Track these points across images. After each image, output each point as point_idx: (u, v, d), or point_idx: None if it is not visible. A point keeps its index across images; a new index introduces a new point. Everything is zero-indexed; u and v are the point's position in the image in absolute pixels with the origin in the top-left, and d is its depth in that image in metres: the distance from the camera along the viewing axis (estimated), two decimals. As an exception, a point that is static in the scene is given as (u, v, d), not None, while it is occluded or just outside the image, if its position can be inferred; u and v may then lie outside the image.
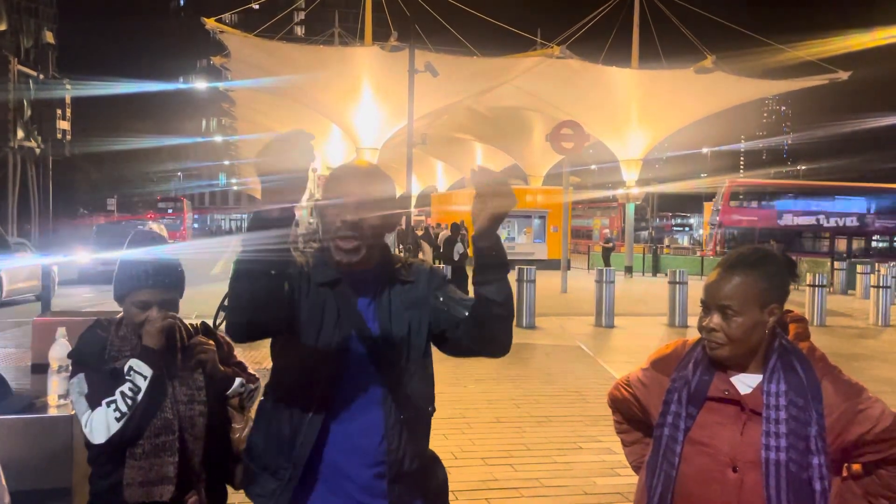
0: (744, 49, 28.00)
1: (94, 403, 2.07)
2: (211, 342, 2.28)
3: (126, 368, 2.09)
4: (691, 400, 1.82)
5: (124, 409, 2.05)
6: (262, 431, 1.88)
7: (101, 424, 2.04)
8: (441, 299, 1.89)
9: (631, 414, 2.08)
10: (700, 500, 1.78)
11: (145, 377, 2.10)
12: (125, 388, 2.07)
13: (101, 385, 2.08)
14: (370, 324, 1.84)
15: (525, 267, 13.40)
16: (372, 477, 1.79)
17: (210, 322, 2.29)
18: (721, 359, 1.79)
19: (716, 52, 27.30)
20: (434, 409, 1.95)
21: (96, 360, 2.12)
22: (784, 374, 1.76)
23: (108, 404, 2.05)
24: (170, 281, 2.20)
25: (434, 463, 1.97)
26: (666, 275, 15.08)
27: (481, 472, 5.21)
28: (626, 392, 2.06)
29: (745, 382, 1.80)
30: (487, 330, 1.83)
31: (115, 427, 2.04)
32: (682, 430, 1.81)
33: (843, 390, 1.77)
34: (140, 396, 2.07)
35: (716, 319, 1.76)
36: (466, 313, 1.85)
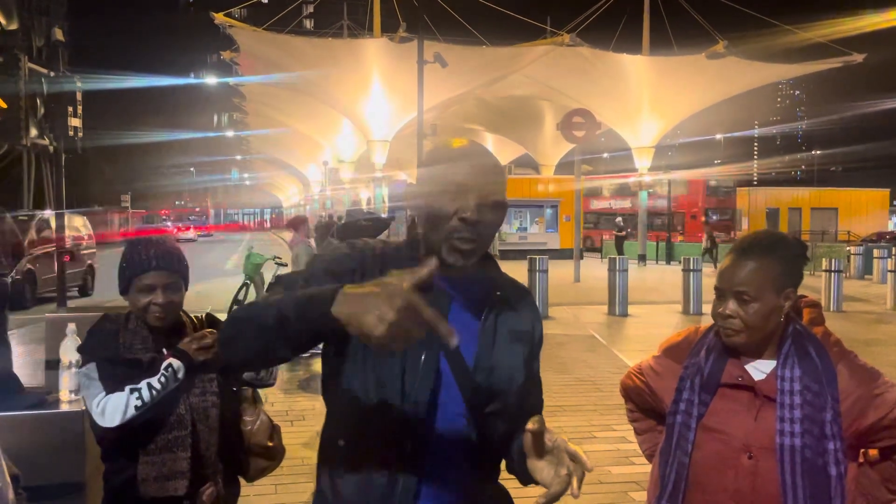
0: (756, 33, 27.74)
1: (113, 387, 2.09)
2: (214, 332, 2.27)
3: (165, 364, 2.11)
4: (704, 387, 1.80)
5: (147, 398, 2.07)
6: (351, 479, 1.49)
7: (117, 408, 2.06)
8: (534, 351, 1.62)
9: (643, 402, 2.07)
10: (714, 487, 1.76)
11: (178, 380, 2.13)
12: (155, 380, 2.09)
13: (115, 373, 2.10)
14: (464, 348, 1.49)
15: (537, 257, 13.37)
16: None
17: (221, 318, 2.28)
18: (737, 346, 1.77)
19: (728, 37, 27.01)
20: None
21: (108, 352, 2.14)
22: (798, 360, 1.73)
23: (132, 391, 2.07)
24: (173, 264, 2.21)
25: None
26: (679, 263, 14.99)
27: (495, 463, 5.20)
28: (638, 380, 2.04)
29: (758, 368, 1.78)
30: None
31: (131, 414, 2.07)
32: (695, 417, 1.80)
33: (859, 375, 1.75)
34: (164, 393, 2.10)
35: (731, 306, 1.73)
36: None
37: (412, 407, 1.46)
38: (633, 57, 28.32)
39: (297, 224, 10.15)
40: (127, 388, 2.08)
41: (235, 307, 1.78)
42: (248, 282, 12.41)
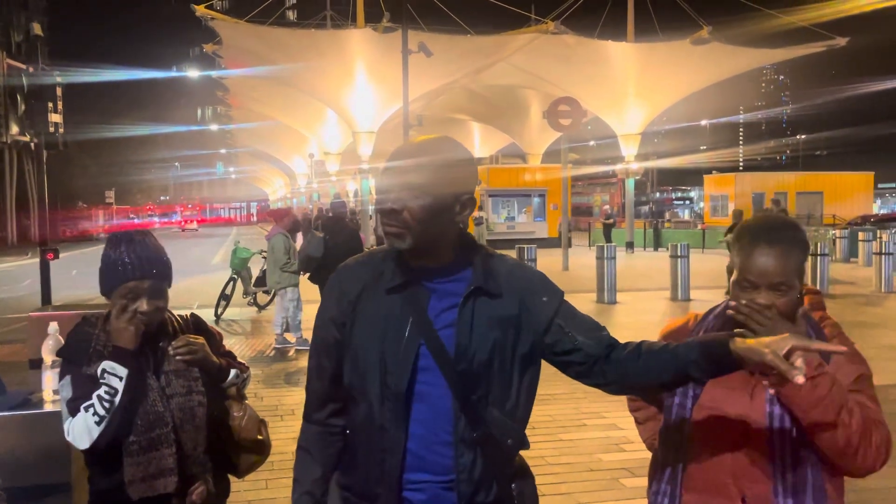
0: (740, 18, 27.76)
1: (74, 409, 2.04)
2: (199, 338, 2.24)
3: (100, 371, 2.04)
4: None
5: (102, 412, 2.01)
6: (354, 455, 1.72)
7: (82, 430, 2.02)
8: (561, 325, 1.69)
9: None
10: (713, 466, 1.77)
11: (120, 378, 2.06)
12: (101, 391, 2.03)
13: (84, 387, 2.05)
14: (444, 334, 1.63)
15: (525, 246, 13.36)
16: (439, 489, 1.64)
17: (209, 313, 2.25)
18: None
19: (712, 23, 27.04)
20: (514, 445, 1.70)
21: (82, 359, 2.09)
22: None
23: (87, 409, 2.02)
24: (156, 270, 2.15)
25: (520, 498, 1.72)
26: (667, 249, 15.04)
27: (487, 452, 5.20)
28: None
29: None
30: (641, 388, 1.75)
31: (97, 431, 2.02)
32: (691, 398, 1.81)
33: (849, 354, 1.75)
34: (118, 398, 2.03)
35: (768, 298, 1.70)
36: (589, 341, 1.68)
37: (393, 395, 1.63)
38: (618, 44, 28.28)
39: (278, 216, 10.13)
40: (82, 408, 2.03)
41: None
42: (236, 276, 12.37)
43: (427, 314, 1.64)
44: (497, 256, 1.76)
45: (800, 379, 1.42)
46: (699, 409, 1.80)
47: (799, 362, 1.44)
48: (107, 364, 2.05)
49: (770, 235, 1.73)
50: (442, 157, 1.63)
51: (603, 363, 1.68)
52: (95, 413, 2.01)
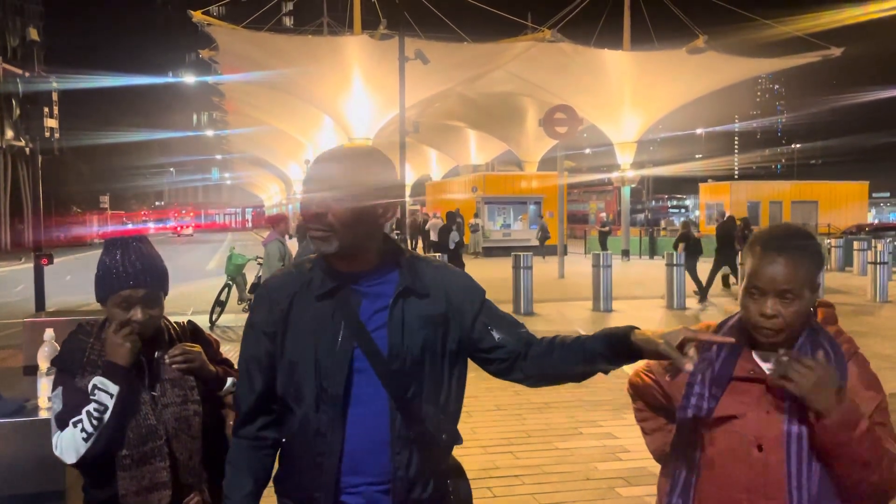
0: (736, 27, 27.90)
1: (62, 423, 2.02)
2: (196, 346, 2.22)
3: (90, 387, 2.01)
4: (715, 381, 1.78)
5: (90, 429, 1.98)
6: (291, 462, 1.74)
7: (69, 446, 1.99)
8: (485, 323, 1.77)
9: (653, 401, 2.03)
10: (727, 481, 1.74)
11: (111, 395, 2.02)
12: (91, 407, 2.00)
13: (75, 401, 2.03)
14: (376, 335, 1.68)
15: (521, 254, 13.38)
16: (375, 493, 1.68)
17: (203, 319, 2.24)
18: (776, 345, 1.73)
19: (708, 32, 27.18)
20: (449, 440, 1.76)
21: (76, 369, 2.07)
22: (812, 352, 1.71)
23: (75, 424, 1.99)
24: (152, 279, 2.12)
25: (456, 494, 1.80)
26: (663, 257, 15.07)
27: (482, 460, 5.19)
28: (647, 378, 2.01)
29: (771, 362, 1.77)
30: (557, 379, 1.79)
31: (84, 447, 1.99)
32: (706, 411, 1.78)
33: (867, 378, 1.74)
34: (107, 416, 2.00)
35: (775, 306, 1.69)
36: (510, 338, 1.76)
37: (330, 399, 1.66)
38: (614, 52, 28.39)
39: (274, 222, 10.19)
40: (70, 423, 2.00)
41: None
42: (231, 283, 12.35)
43: (359, 317, 1.68)
44: (421, 258, 1.81)
45: (689, 366, 1.51)
46: (713, 423, 1.77)
47: (692, 352, 1.53)
48: (98, 380, 2.01)
49: (780, 243, 1.72)
50: (365, 161, 1.68)
51: (522, 360, 1.76)
52: (83, 429, 1.98)
